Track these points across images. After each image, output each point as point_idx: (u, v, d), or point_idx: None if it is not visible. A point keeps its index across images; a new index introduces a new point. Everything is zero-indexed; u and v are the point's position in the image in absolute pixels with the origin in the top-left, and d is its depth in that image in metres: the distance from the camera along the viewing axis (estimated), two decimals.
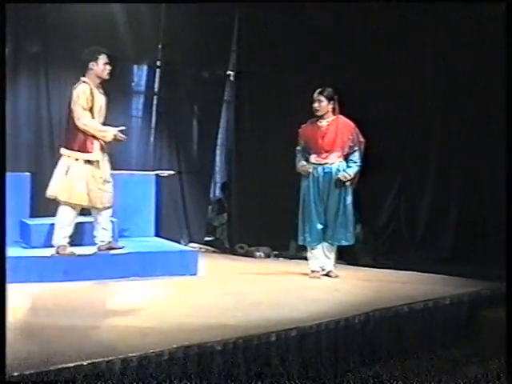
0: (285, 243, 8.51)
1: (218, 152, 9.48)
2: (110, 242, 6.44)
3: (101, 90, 6.45)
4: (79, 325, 4.54)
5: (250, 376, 4.17)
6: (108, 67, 6.39)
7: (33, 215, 7.23)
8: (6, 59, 7.68)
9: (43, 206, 8.02)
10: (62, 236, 6.31)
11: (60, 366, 3.48)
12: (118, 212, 6.78)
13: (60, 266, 6.06)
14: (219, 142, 9.42)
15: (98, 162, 6.30)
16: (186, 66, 8.93)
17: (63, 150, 6.33)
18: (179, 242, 8.11)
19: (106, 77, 6.34)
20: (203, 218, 9.28)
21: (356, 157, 6.60)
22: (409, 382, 4.59)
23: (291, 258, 8.22)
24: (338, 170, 6.53)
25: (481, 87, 7.49)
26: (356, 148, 6.61)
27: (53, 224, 6.55)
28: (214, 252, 8.68)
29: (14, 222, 6.81)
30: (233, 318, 4.77)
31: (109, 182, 6.39)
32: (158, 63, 8.80)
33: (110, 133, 6.31)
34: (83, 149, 6.24)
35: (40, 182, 7.91)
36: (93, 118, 6.28)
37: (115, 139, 6.32)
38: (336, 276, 6.67)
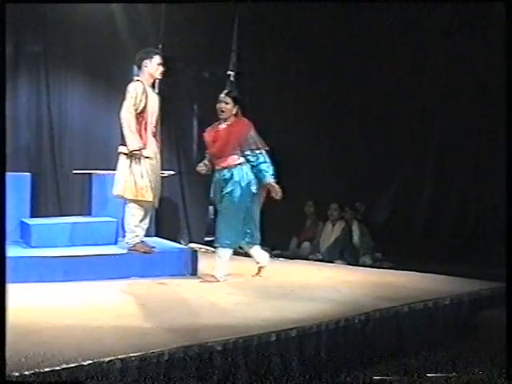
0: (284, 243, 8.52)
1: None
2: (142, 242, 6.51)
3: (154, 90, 6.53)
4: (79, 325, 4.53)
5: (249, 376, 4.17)
6: (161, 68, 6.41)
7: (33, 215, 7.22)
8: (7, 59, 7.78)
9: (43, 206, 8.05)
10: (133, 235, 6.38)
11: (60, 367, 3.48)
12: (118, 212, 6.79)
13: (60, 266, 6.05)
14: None
15: (155, 157, 6.35)
16: (186, 65, 8.94)
17: (121, 148, 6.31)
18: (179, 242, 8.11)
19: (159, 76, 6.40)
20: (203, 218, 9.28)
21: (260, 160, 6.21)
22: (409, 382, 4.61)
23: (291, 257, 8.23)
24: (233, 175, 6.14)
25: (481, 86, 7.49)
26: (258, 151, 6.21)
27: (53, 224, 6.55)
28: (214, 252, 8.67)
29: (14, 222, 6.82)
30: (233, 318, 4.77)
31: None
32: None
33: (134, 144, 6.15)
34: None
35: (40, 181, 7.94)
36: (146, 115, 6.26)
37: (131, 152, 6.18)
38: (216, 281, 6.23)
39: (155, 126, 6.41)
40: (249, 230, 6.38)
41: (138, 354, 3.76)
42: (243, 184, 6.16)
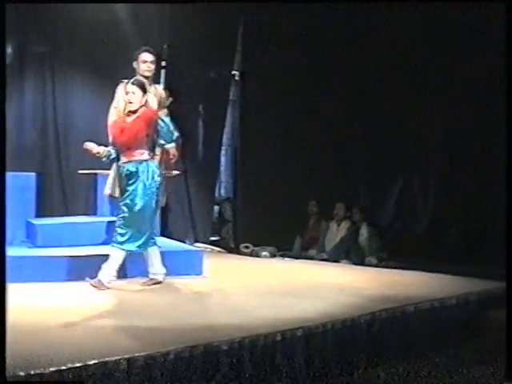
0: (290, 243, 8.52)
1: (223, 152, 9.48)
2: None
3: (156, 89, 6.43)
4: (85, 324, 4.54)
5: (255, 376, 4.17)
6: (146, 65, 6.37)
7: (39, 215, 7.23)
8: (13, 59, 7.80)
9: (49, 205, 8.06)
10: None
11: (66, 366, 3.47)
12: None
13: (65, 265, 6.05)
14: (224, 141, 9.43)
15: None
16: (191, 65, 8.94)
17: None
18: (185, 242, 8.11)
19: (146, 74, 6.20)
20: (208, 217, 9.29)
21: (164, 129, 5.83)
22: (415, 382, 4.60)
23: (296, 257, 8.23)
24: (141, 170, 5.69)
25: (485, 87, 7.48)
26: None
27: (59, 224, 6.55)
28: (219, 252, 8.68)
29: (20, 221, 6.83)
30: (238, 317, 4.76)
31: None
32: (164, 63, 8.80)
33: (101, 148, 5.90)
34: None
35: (46, 181, 7.95)
36: None
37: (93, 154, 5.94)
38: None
39: None
40: (154, 231, 6.04)
41: (144, 353, 3.76)
42: (148, 182, 5.69)
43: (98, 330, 4.42)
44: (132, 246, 5.75)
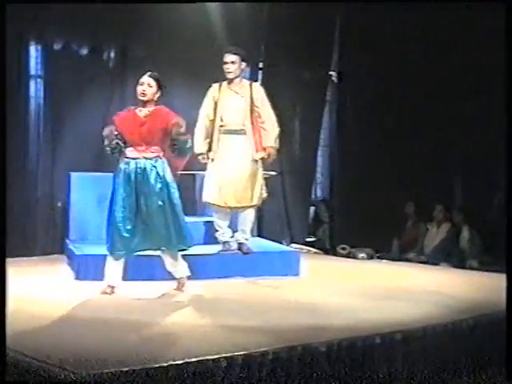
0: (387, 245, 8.42)
1: (319, 152, 9.45)
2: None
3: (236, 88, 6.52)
4: (184, 323, 4.62)
5: (352, 378, 4.13)
6: (226, 66, 6.43)
7: None
8: (116, 64, 8.01)
9: None
10: (219, 234, 6.61)
11: (166, 364, 3.54)
12: None
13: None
14: (321, 142, 9.39)
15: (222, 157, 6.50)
16: (288, 66, 8.95)
17: None
18: (281, 243, 8.13)
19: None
20: (305, 218, 9.28)
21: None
22: None
23: (394, 259, 8.12)
24: (155, 166, 5.42)
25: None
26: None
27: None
28: (315, 253, 8.66)
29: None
30: (336, 319, 4.74)
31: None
32: (261, 64, 8.85)
33: (195, 148, 6.25)
34: None
35: None
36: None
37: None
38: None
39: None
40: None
41: (243, 352, 3.79)
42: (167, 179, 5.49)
43: (197, 328, 4.49)
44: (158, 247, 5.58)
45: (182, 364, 3.56)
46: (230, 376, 3.68)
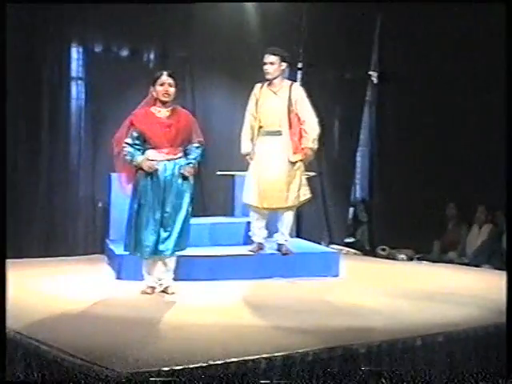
0: (427, 246, 8.33)
1: (359, 153, 9.40)
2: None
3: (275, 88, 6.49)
4: (223, 323, 4.63)
5: (393, 380, 4.09)
6: (264, 67, 6.42)
7: None
8: (156, 64, 8.06)
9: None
10: (252, 234, 6.67)
11: (206, 363, 3.55)
12: None
13: (205, 264, 6.20)
14: (361, 142, 9.34)
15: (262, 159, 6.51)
16: (327, 66, 8.92)
17: None
18: (320, 243, 8.10)
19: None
20: (344, 219, 9.24)
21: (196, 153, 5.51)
22: None
23: (435, 261, 8.04)
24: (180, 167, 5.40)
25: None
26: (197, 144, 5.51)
27: (194, 225, 6.70)
28: (354, 254, 8.61)
29: None
30: (376, 320, 4.71)
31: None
32: (300, 65, 8.83)
33: (241, 148, 6.57)
34: None
35: None
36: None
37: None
38: (173, 293, 5.50)
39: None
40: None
41: (283, 353, 3.78)
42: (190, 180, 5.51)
43: (236, 328, 4.50)
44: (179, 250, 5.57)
45: (221, 364, 3.58)
46: (269, 377, 3.68)
